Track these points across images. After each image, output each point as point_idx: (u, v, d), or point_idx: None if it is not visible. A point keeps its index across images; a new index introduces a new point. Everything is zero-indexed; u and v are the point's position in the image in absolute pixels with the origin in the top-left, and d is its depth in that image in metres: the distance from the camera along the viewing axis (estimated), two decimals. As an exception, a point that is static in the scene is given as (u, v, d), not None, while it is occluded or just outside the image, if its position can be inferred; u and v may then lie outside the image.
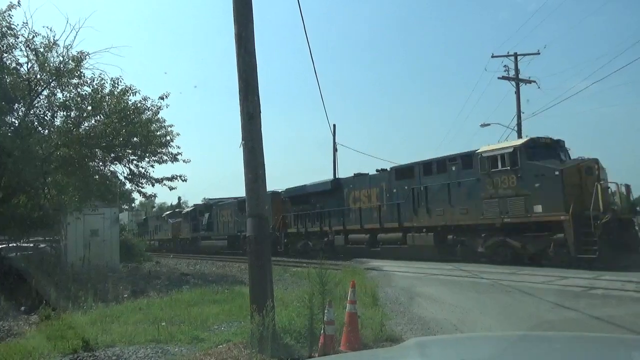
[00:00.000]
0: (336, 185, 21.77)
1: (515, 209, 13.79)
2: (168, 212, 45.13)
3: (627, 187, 13.87)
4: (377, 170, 20.16)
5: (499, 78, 24.47)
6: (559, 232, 12.72)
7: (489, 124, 24.64)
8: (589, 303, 7.91)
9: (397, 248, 17.63)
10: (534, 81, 24.31)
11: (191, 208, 36.88)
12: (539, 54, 24.34)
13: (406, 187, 17.53)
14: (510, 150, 14.15)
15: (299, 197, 23.73)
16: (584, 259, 12.09)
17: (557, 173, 12.96)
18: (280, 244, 23.82)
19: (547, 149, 14.32)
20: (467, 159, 15.53)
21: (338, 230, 20.98)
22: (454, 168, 15.92)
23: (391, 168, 19.10)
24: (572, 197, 12.54)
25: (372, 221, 19.25)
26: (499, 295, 9.14)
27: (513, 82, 24.25)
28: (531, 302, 8.37)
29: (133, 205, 37.53)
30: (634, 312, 7.29)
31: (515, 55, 24.37)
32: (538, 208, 13.26)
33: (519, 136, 22.47)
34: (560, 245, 12.71)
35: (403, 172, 18.06)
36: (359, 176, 21.03)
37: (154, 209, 64.74)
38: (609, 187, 13.42)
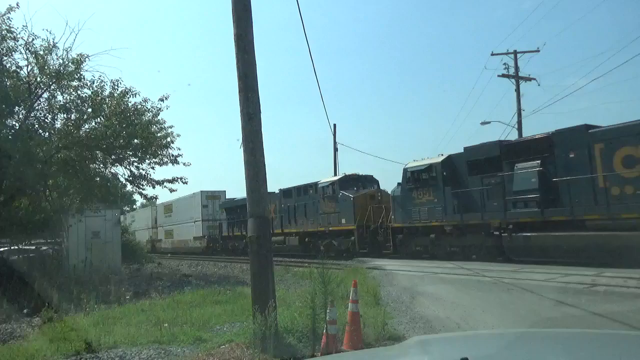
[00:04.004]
0: None
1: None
2: (327, 181, 22.31)
3: None
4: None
5: (498, 76, 24.49)
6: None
7: (489, 122, 24.67)
8: (590, 300, 7.90)
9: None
10: (534, 79, 24.30)
11: (424, 165, 16.67)
12: (538, 51, 24.31)
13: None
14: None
15: None
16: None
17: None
18: None
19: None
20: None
21: None
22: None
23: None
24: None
25: None
26: (501, 293, 9.14)
27: (513, 80, 24.26)
28: (533, 299, 8.37)
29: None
30: (635, 308, 7.28)
31: (515, 52, 24.34)
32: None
33: (520, 134, 22.51)
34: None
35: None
36: None
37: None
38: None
